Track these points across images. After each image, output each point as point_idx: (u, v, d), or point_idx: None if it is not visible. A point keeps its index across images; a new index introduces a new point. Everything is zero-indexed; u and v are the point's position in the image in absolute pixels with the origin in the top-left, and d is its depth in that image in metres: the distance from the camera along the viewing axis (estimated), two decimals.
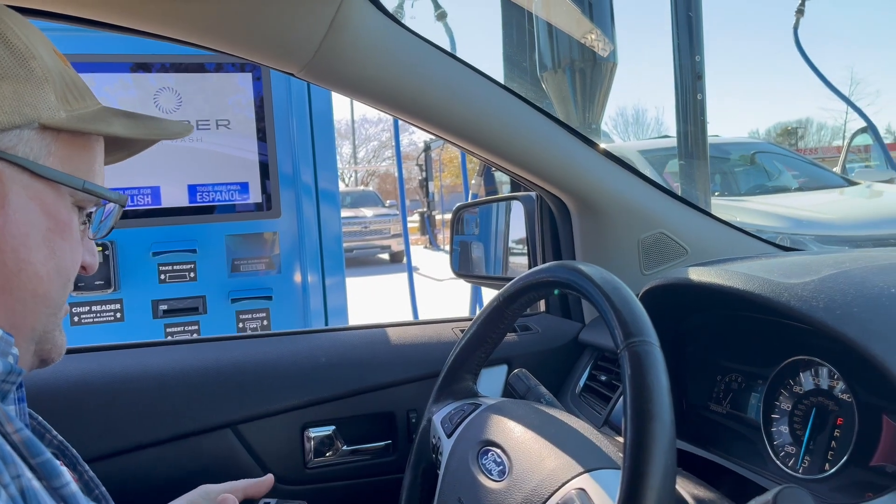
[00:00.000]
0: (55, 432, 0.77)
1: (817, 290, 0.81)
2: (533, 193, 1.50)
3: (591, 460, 0.78)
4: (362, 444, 1.30)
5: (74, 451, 0.77)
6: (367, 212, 15.30)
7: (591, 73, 4.04)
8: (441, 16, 5.89)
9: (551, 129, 1.27)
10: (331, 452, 1.28)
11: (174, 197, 2.47)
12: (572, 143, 1.30)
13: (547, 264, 0.90)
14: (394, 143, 5.49)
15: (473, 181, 5.31)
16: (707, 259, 1.24)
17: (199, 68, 2.43)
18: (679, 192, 3.67)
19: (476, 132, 1.23)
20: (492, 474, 0.84)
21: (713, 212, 1.55)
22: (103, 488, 0.78)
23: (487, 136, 1.24)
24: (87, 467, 0.77)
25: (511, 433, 0.88)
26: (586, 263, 0.83)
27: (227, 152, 2.47)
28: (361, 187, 26.89)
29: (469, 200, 2.55)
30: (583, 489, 0.73)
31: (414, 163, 19.82)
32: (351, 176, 33.26)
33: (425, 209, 17.79)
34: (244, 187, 2.52)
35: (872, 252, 1.06)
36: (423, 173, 17.38)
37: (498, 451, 0.86)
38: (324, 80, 1.10)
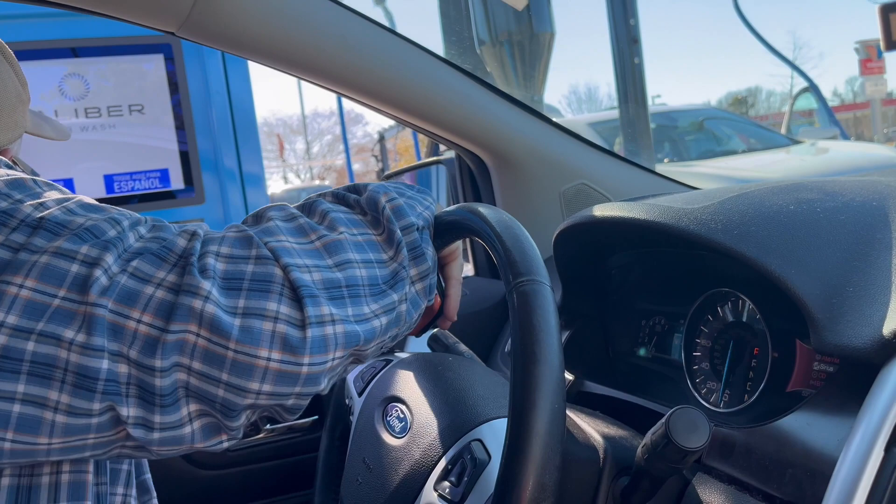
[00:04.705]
0: None
1: (716, 213, 0.78)
2: (455, 155, 1.46)
3: (491, 409, 0.75)
4: (285, 423, 1.25)
5: None
6: None
7: (528, 44, 4.01)
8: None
9: (461, 82, 1.23)
10: (253, 433, 1.23)
11: (89, 188, 2.34)
12: (484, 96, 1.25)
13: (451, 207, 0.85)
14: (342, 134, 5.41)
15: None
16: None
17: (106, 52, 2.31)
18: (624, 154, 3.66)
19: (381, 88, 1.18)
20: (394, 431, 0.79)
21: None
22: None
23: (393, 92, 1.18)
24: None
25: (415, 387, 0.83)
26: (489, 206, 0.78)
27: (143, 139, 2.36)
28: (317, 182, 26.58)
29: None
30: (479, 440, 0.70)
31: (370, 154, 19.68)
32: (306, 172, 32.81)
33: None
34: (164, 174, 2.42)
35: (777, 178, 1.04)
36: (380, 164, 17.24)
37: (402, 406, 0.82)
38: (206, 37, 1.03)
